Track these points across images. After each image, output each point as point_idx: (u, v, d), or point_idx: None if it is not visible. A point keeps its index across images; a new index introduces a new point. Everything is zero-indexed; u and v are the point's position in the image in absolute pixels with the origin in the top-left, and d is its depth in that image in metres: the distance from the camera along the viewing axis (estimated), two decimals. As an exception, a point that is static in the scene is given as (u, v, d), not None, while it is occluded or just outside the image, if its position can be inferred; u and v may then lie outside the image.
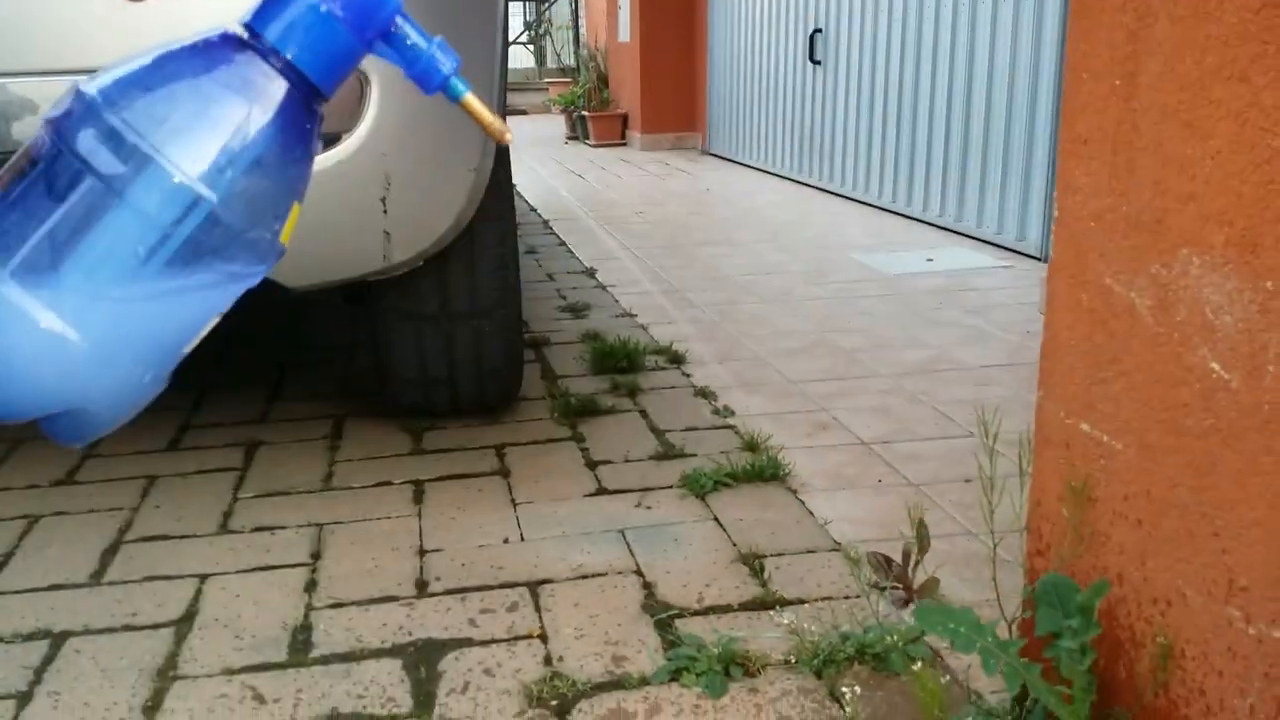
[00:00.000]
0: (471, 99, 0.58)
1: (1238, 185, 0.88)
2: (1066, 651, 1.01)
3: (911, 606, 1.47)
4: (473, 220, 1.98)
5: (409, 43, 0.56)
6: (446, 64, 0.57)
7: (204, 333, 0.54)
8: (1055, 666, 1.04)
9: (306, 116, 0.53)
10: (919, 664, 1.23)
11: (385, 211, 1.80)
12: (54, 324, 0.47)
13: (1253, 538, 0.89)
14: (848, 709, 1.26)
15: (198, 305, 0.51)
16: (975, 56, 4.36)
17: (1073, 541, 1.10)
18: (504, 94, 2.23)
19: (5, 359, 0.46)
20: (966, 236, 4.43)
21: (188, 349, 0.53)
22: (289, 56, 0.52)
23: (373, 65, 1.72)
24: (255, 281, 0.54)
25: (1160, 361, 0.98)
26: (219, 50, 0.52)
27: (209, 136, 0.49)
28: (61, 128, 0.49)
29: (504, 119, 2.23)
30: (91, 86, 0.49)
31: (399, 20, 0.55)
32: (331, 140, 1.68)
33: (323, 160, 1.69)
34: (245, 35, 0.52)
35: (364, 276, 1.89)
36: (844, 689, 1.28)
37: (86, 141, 0.48)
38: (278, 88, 0.52)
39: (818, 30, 5.91)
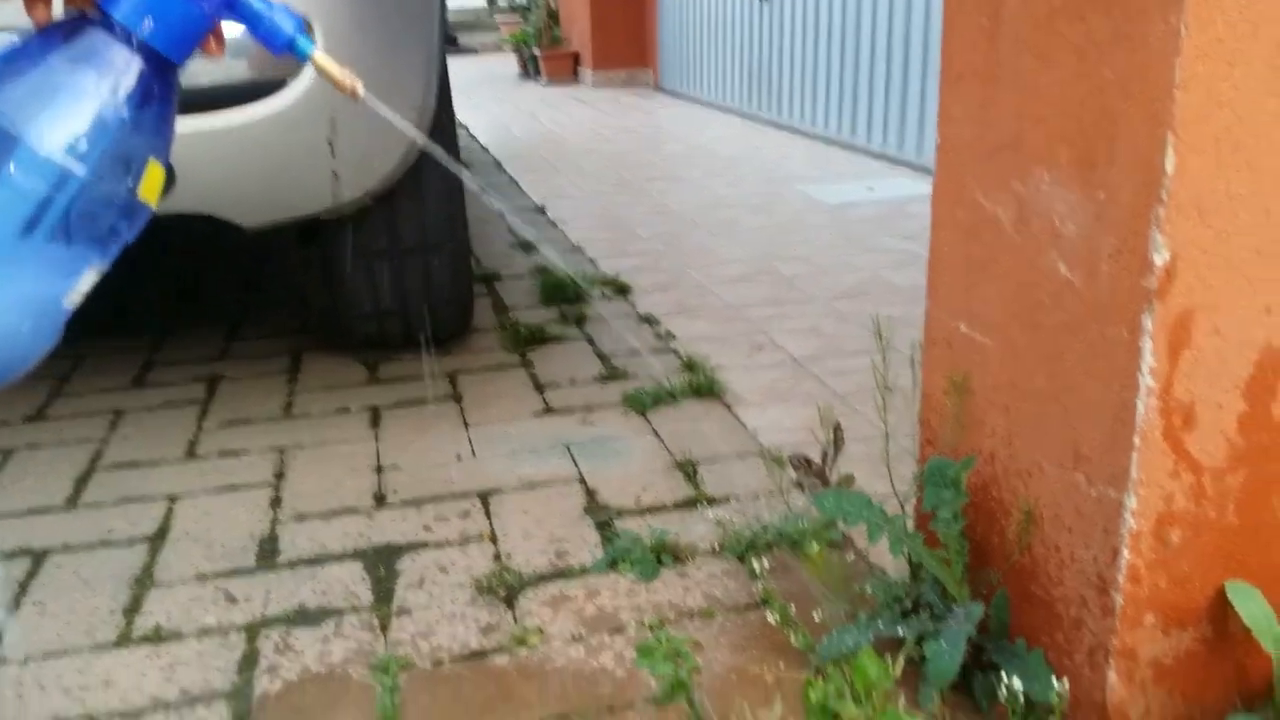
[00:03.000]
0: (320, 56, 0.65)
1: (1078, 110, 1.01)
2: (943, 520, 1.16)
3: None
4: (418, 159, 2.08)
5: (252, 8, 0.63)
6: (288, 24, 0.63)
7: (84, 287, 0.61)
8: (938, 537, 1.19)
9: (161, 84, 0.60)
10: (819, 546, 1.38)
11: (333, 153, 1.89)
12: None
13: (1091, 414, 1.03)
14: (763, 584, 1.41)
15: (70, 261, 0.58)
16: (913, -11, 4.45)
17: (954, 429, 1.25)
18: (444, 29, 2.30)
19: None
20: (907, 165, 4.56)
21: (69, 303, 0.60)
22: (137, 32, 0.59)
23: (315, 11, 1.82)
24: (131, 238, 0.61)
25: (1020, 268, 1.11)
26: (71, 33, 0.58)
27: (67, 112, 0.56)
28: None
29: (444, 56, 2.28)
30: None
31: None
32: (277, 85, 1.76)
33: (269, 105, 1.76)
34: (97, 16, 0.59)
35: (314, 215, 1.99)
36: (758, 567, 1.43)
37: None
38: (130, 61, 0.59)
39: (763, -36, 5.96)
